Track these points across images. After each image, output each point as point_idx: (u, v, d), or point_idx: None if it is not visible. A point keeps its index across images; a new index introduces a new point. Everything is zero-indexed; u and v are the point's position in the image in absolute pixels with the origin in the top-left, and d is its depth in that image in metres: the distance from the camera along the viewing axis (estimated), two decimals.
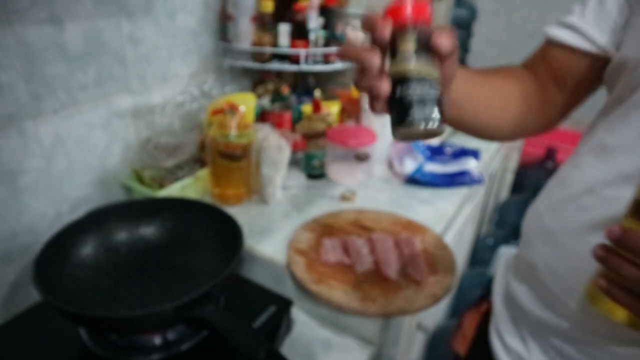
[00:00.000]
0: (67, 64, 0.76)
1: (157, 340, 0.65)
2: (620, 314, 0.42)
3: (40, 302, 0.73)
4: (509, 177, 1.91)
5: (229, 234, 0.70)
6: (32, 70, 0.72)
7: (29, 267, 0.76)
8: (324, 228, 0.85)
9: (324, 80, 1.20)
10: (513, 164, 1.88)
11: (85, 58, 0.79)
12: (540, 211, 0.57)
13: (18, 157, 0.73)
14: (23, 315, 0.71)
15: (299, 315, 0.79)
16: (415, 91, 0.41)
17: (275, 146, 0.90)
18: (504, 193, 1.92)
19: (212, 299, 0.58)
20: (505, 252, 0.70)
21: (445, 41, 0.41)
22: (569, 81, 0.60)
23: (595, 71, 0.57)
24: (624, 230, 0.38)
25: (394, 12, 0.41)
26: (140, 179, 0.88)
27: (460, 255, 0.88)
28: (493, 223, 1.79)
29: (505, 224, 1.73)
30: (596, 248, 0.40)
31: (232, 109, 0.87)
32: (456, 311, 1.45)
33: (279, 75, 1.14)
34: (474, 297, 1.37)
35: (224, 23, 1.02)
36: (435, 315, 1.21)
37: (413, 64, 0.41)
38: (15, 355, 0.65)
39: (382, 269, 0.74)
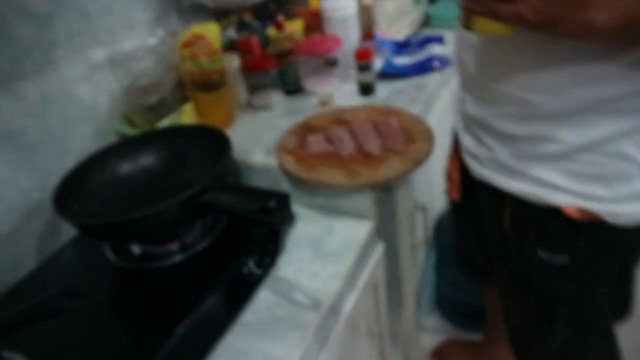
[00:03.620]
0: (35, 25, 0.81)
1: (175, 246, 0.73)
2: (487, 25, 0.54)
3: (65, 245, 0.82)
4: None
5: (217, 144, 0.76)
6: (4, 35, 0.77)
7: (49, 219, 0.85)
8: (307, 129, 0.92)
9: (283, 2, 1.23)
10: None
11: (51, 17, 0.83)
12: (460, 32, 0.72)
13: (13, 119, 0.79)
14: (53, 258, 0.80)
15: (300, 210, 0.87)
16: None
17: None
18: None
19: (213, 190, 0.65)
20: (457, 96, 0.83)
21: None
22: None
23: None
24: None
25: None
26: (131, 123, 0.95)
27: (447, 141, 0.94)
28: None
29: None
30: None
31: (198, 39, 0.92)
32: None
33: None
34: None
35: None
36: (434, 199, 1.28)
37: None
38: (54, 287, 0.73)
39: (364, 147, 0.81)
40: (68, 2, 0.86)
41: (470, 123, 0.75)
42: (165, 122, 0.93)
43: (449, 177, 0.92)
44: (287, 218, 0.60)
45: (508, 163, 0.69)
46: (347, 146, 0.83)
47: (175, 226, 0.70)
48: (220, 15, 1.15)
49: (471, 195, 0.83)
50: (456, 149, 0.86)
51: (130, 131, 0.94)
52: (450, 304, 1.45)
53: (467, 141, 0.77)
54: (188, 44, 0.94)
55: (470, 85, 0.74)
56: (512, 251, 0.77)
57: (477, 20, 0.55)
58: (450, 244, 1.34)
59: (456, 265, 1.11)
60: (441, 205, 1.39)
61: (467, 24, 0.57)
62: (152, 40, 0.98)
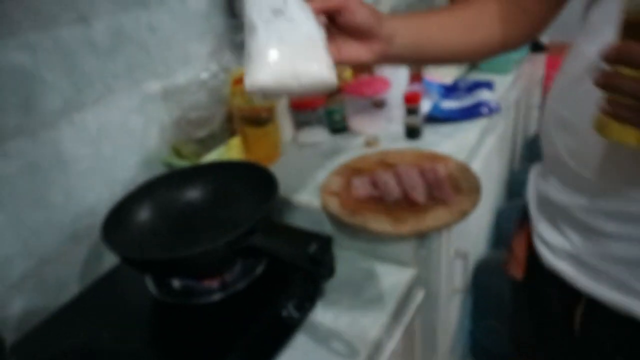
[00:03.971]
0: (98, 57, 0.85)
1: (216, 284, 0.73)
2: (631, 135, 0.42)
3: (109, 272, 0.83)
4: (535, 113, 1.91)
5: (264, 182, 0.77)
6: (70, 67, 0.80)
7: (95, 244, 0.87)
8: (352, 171, 0.91)
9: None
10: (536, 99, 1.89)
11: (113, 50, 0.87)
12: (552, 104, 0.59)
13: (72, 147, 0.82)
14: (96, 284, 0.81)
15: (340, 252, 0.86)
16: None
17: None
18: (532, 128, 1.92)
19: (258, 232, 0.65)
20: (534, 168, 0.72)
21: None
22: None
23: None
24: (617, 45, 0.38)
25: None
26: (179, 154, 0.97)
27: (492, 187, 0.92)
28: (525, 158, 1.80)
29: (535, 157, 1.74)
30: (594, 76, 0.40)
31: None
32: (497, 242, 1.49)
33: None
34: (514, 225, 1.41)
35: (231, 1, 1.08)
36: (475, 246, 1.25)
37: None
38: (95, 315, 0.75)
39: (410, 195, 0.80)
40: (130, 36, 0.90)
41: (550, 208, 0.63)
42: (212, 155, 0.95)
43: (513, 254, 0.78)
44: (332, 269, 0.59)
45: (591, 262, 0.57)
46: (393, 192, 0.82)
47: (219, 266, 0.70)
48: None
49: (537, 277, 0.70)
50: (523, 225, 0.74)
51: (177, 162, 0.96)
52: (485, 352, 1.40)
53: (542, 227, 0.64)
54: (240, 80, 0.96)
55: (560, 168, 0.59)
56: (580, 356, 0.66)
57: (620, 128, 0.42)
58: (488, 291, 1.30)
59: (507, 343, 0.98)
60: (481, 251, 1.36)
61: (603, 130, 0.44)
62: (204, 75, 1.01)
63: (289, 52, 0.53)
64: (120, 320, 0.72)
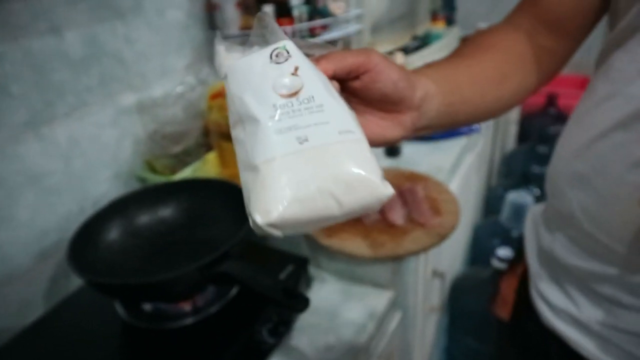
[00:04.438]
0: (71, 69, 0.82)
1: (187, 307, 0.71)
2: None
3: (76, 291, 0.80)
4: (513, 129, 1.94)
5: (240, 202, 0.75)
6: (41, 79, 0.77)
7: (62, 262, 0.84)
8: None
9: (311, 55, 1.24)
10: (514, 115, 1.91)
11: (87, 62, 0.84)
12: (566, 158, 0.52)
13: (40, 161, 0.79)
14: (63, 304, 0.78)
15: (317, 273, 0.84)
16: None
17: None
18: (510, 144, 1.94)
19: (232, 257, 0.64)
20: (531, 210, 0.67)
21: None
22: (566, 23, 0.54)
23: (595, 4, 0.51)
24: None
25: None
26: (153, 169, 0.94)
27: (470, 204, 0.92)
28: (502, 174, 1.82)
29: (512, 173, 1.76)
30: None
31: None
32: (474, 259, 1.49)
33: None
34: (490, 245, 1.41)
35: (210, 13, 1.06)
36: (452, 264, 1.25)
37: None
38: (60, 338, 0.72)
39: (388, 217, 0.79)
40: (106, 48, 0.87)
41: (555, 266, 0.57)
42: (187, 171, 0.93)
43: (501, 295, 0.75)
44: (306, 302, 0.57)
45: (602, 332, 0.51)
46: (371, 214, 0.81)
47: (190, 289, 0.68)
48: None
49: (530, 325, 0.64)
50: (513, 268, 0.71)
51: (151, 177, 0.93)
52: None
53: (543, 285, 0.59)
54: (218, 95, 0.94)
55: (571, 228, 0.53)
56: None
57: None
58: (465, 308, 1.30)
59: None
60: (457, 269, 1.36)
61: None
62: (181, 88, 0.98)
63: (319, 162, 0.32)
64: (87, 344, 0.70)
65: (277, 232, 0.32)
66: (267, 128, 0.33)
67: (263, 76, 0.35)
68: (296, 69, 0.35)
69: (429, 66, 0.47)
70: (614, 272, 0.48)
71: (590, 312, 0.51)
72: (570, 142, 0.52)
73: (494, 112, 0.55)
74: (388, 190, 0.33)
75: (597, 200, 0.47)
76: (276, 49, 0.36)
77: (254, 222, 0.31)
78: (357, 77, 0.39)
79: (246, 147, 0.33)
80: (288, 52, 0.36)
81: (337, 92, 0.37)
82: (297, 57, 0.36)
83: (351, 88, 0.40)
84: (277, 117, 0.33)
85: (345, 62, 0.38)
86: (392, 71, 0.40)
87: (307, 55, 0.38)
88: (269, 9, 1.05)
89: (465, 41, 0.56)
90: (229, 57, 0.38)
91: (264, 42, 0.38)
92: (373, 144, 0.39)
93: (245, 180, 0.33)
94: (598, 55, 0.52)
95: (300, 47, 0.37)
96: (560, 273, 0.55)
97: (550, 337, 0.57)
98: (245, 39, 0.39)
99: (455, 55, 0.53)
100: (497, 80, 0.52)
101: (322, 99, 0.34)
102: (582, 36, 0.55)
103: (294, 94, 0.34)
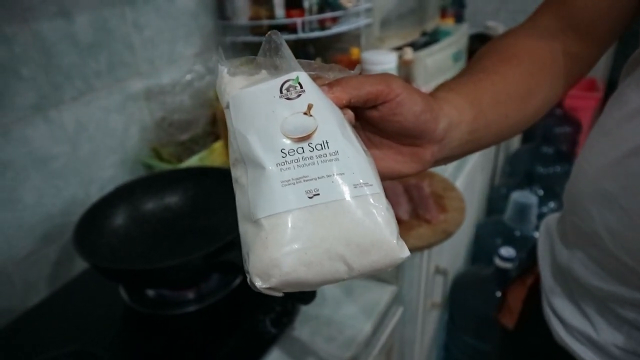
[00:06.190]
0: (80, 53, 0.82)
1: (191, 294, 0.71)
2: None
3: (80, 275, 0.80)
4: None
5: None
6: (49, 62, 0.77)
7: (67, 245, 0.84)
8: None
9: (323, 47, 1.23)
10: None
11: (96, 47, 0.84)
12: (591, 173, 0.48)
13: (46, 145, 0.79)
14: (66, 288, 0.78)
15: None
16: None
17: None
18: (515, 144, 1.94)
19: (237, 246, 0.63)
20: (545, 221, 0.64)
21: None
22: (598, 25, 0.50)
23: (630, 5, 0.47)
24: None
25: None
26: (159, 156, 0.94)
27: (474, 203, 0.92)
28: (506, 173, 1.82)
29: (516, 172, 1.76)
30: None
31: None
32: (476, 257, 1.49)
33: None
34: (492, 244, 1.41)
35: (220, 2, 1.06)
36: (454, 261, 1.25)
37: None
38: (63, 321, 0.72)
39: (394, 212, 0.79)
40: (115, 33, 0.87)
41: (571, 283, 0.54)
42: (194, 159, 0.93)
43: (507, 304, 0.71)
44: (313, 293, 0.57)
45: (619, 355, 0.49)
46: None
47: (195, 278, 0.68)
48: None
49: (532, 331, 0.63)
50: (522, 277, 0.68)
51: (157, 164, 0.93)
52: None
53: (558, 301, 0.55)
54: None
55: (594, 247, 0.49)
56: None
57: None
58: (465, 306, 1.30)
59: None
60: (459, 266, 1.36)
61: None
62: (190, 76, 0.98)
63: (330, 221, 0.29)
64: (89, 328, 0.70)
65: (277, 294, 0.29)
66: (273, 178, 0.29)
67: (271, 113, 0.31)
68: (309, 107, 0.31)
69: (450, 88, 0.42)
70: (638, 296, 0.45)
71: (609, 336, 0.48)
72: (597, 157, 0.48)
73: (517, 130, 0.51)
74: (404, 253, 0.30)
75: (625, 221, 0.44)
76: (287, 81, 0.32)
77: (252, 283, 0.28)
78: (374, 107, 0.35)
79: (248, 196, 0.30)
80: (301, 86, 0.31)
81: (351, 125, 0.33)
82: (311, 92, 0.31)
83: (367, 117, 0.36)
84: (285, 165, 0.30)
85: (362, 90, 0.34)
86: (414, 103, 0.35)
87: (319, 78, 0.34)
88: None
89: (487, 47, 0.52)
90: (232, 83, 0.33)
91: (273, 67, 0.33)
92: (386, 178, 0.36)
93: (245, 233, 0.30)
94: (628, 62, 0.49)
95: (313, 69, 0.33)
96: (578, 291, 0.52)
97: (562, 354, 0.55)
98: (252, 58, 0.34)
99: (477, 69, 0.48)
100: (522, 98, 0.48)
101: (338, 145, 0.30)
102: (612, 41, 0.52)
103: (306, 137, 0.30)
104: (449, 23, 1.69)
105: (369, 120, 0.36)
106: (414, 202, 0.82)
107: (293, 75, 0.32)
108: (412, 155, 0.38)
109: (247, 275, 0.29)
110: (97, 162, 0.88)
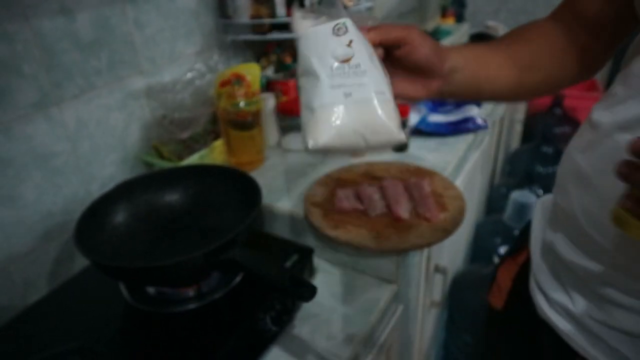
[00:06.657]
0: (81, 51, 0.82)
1: (192, 292, 0.71)
2: None
3: (80, 273, 0.80)
4: (518, 128, 1.93)
5: (247, 190, 0.75)
6: (50, 60, 0.77)
7: (67, 243, 0.84)
8: (337, 181, 0.90)
9: None
10: (520, 115, 1.90)
11: (96, 45, 0.84)
12: (573, 154, 0.53)
13: (47, 142, 0.79)
14: (66, 285, 0.78)
15: (321, 264, 0.85)
16: None
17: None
18: (515, 144, 1.94)
19: (238, 244, 0.64)
20: (541, 200, 0.66)
21: None
22: (604, 26, 0.57)
23: (633, 13, 0.52)
24: None
25: None
26: (160, 154, 0.94)
27: (474, 202, 0.92)
28: (505, 173, 1.82)
29: (516, 172, 1.76)
30: (619, 165, 0.37)
31: (239, 79, 0.92)
32: (475, 257, 1.50)
33: (280, 45, 1.18)
34: (492, 244, 1.42)
35: (221, 0, 1.06)
36: (454, 260, 1.25)
37: None
38: (63, 318, 0.72)
39: (394, 210, 0.79)
40: (116, 31, 0.87)
41: (554, 261, 0.57)
42: (194, 157, 0.93)
43: (496, 284, 0.74)
44: (313, 290, 0.57)
45: (593, 327, 0.52)
46: (377, 206, 0.81)
47: (196, 276, 0.68)
48: (261, 54, 1.16)
49: (518, 308, 0.65)
50: (512, 254, 0.71)
51: (158, 162, 0.93)
52: None
53: (543, 277, 0.59)
54: (226, 82, 0.93)
55: (571, 225, 0.53)
56: None
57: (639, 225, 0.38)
58: (464, 305, 1.31)
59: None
60: (458, 265, 1.36)
61: (621, 225, 0.39)
62: (190, 74, 0.98)
63: (357, 111, 0.45)
64: (89, 325, 0.70)
65: (319, 152, 0.46)
66: (324, 83, 0.46)
67: (326, 44, 0.47)
68: (350, 42, 0.47)
69: (466, 45, 0.63)
70: (608, 272, 0.49)
71: (584, 308, 0.53)
72: (579, 139, 0.54)
73: (516, 96, 0.63)
74: (401, 137, 0.47)
75: (596, 201, 0.48)
76: (338, 24, 0.48)
77: (306, 145, 0.45)
78: (398, 47, 0.51)
79: (308, 93, 0.47)
80: (346, 28, 0.48)
81: (380, 59, 0.49)
82: (353, 32, 0.48)
83: (393, 55, 0.52)
84: (332, 76, 0.46)
85: (390, 35, 0.50)
86: (425, 47, 0.51)
87: (361, 24, 0.50)
88: None
89: (509, 31, 0.64)
90: (302, 24, 0.50)
91: (329, 15, 0.49)
92: (401, 97, 0.53)
93: (304, 116, 0.47)
94: (623, 61, 0.53)
95: (357, 19, 0.49)
96: (559, 267, 0.57)
97: (543, 327, 0.58)
98: (316, 7, 0.51)
99: (495, 41, 0.62)
100: (524, 67, 0.59)
101: (366, 67, 0.47)
102: (619, 40, 0.58)
103: (346, 60, 0.47)
104: (449, 22, 1.70)
105: (394, 57, 0.52)
106: (414, 200, 0.82)
107: (342, 20, 0.48)
108: (423, 83, 0.54)
109: (304, 141, 0.46)
110: (98, 160, 0.88)
